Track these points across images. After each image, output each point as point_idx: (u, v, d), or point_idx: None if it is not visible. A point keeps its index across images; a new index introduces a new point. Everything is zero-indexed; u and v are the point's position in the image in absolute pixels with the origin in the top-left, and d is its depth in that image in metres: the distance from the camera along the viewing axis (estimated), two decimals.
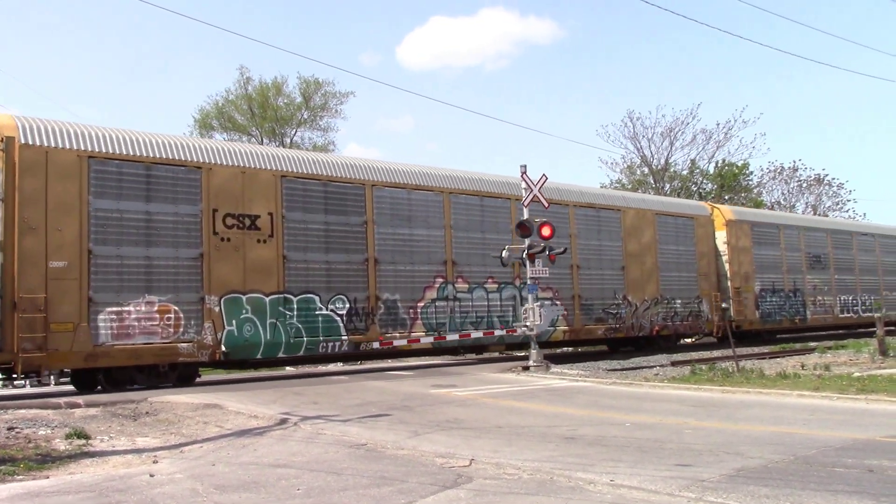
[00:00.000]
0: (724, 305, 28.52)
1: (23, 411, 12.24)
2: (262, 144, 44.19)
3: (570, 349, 29.61)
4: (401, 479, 7.16)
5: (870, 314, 33.78)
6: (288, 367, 22.86)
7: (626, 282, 25.70)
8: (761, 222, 31.32)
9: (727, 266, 29.12)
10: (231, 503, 6.44)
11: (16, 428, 10.60)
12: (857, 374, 15.22)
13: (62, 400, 13.41)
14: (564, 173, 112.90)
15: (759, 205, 51.30)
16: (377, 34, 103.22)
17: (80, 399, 13.46)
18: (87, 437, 9.97)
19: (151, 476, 7.68)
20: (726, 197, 51.24)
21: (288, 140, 46.83)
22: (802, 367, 17.54)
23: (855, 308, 34.81)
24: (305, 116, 47.61)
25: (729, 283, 28.96)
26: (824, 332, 34.23)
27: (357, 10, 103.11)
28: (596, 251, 25.00)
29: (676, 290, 27.45)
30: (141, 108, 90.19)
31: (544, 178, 19.85)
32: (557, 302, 23.26)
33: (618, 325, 25.22)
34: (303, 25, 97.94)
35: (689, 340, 31.74)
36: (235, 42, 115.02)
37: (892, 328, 32.68)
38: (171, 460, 8.61)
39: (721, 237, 29.36)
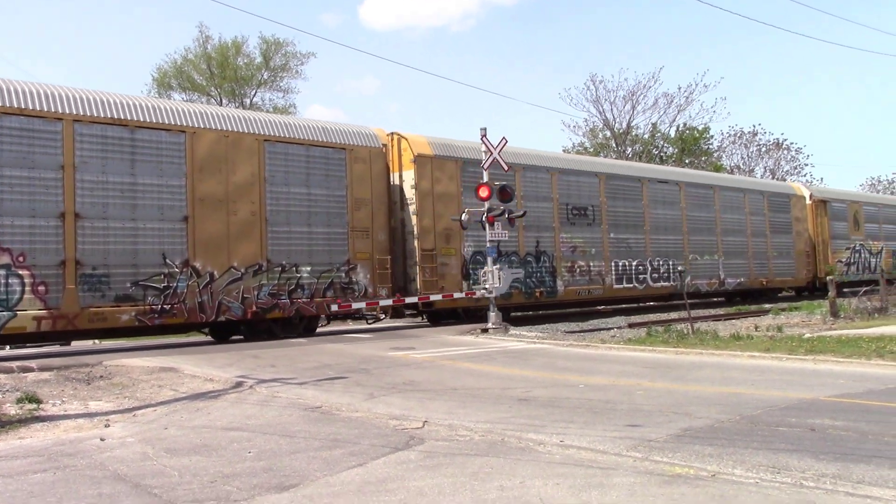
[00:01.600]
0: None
1: None
2: (220, 105, 43.55)
3: (531, 312, 28.56)
4: (353, 442, 7.20)
5: (667, 284, 28.26)
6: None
7: (191, 240, 17.39)
8: (474, 159, 21.79)
9: (414, 220, 21.29)
10: (181, 466, 6.43)
11: None
12: (807, 336, 15.54)
13: (14, 364, 13.23)
14: (529, 137, 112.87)
15: (718, 169, 51.79)
16: None
17: (33, 363, 13.30)
18: (38, 402, 9.87)
19: (102, 440, 7.63)
20: (687, 161, 51.68)
21: (248, 101, 46.14)
22: (756, 328, 17.86)
23: (641, 277, 27.53)
24: (265, 77, 46.93)
25: (416, 244, 21.30)
26: (587, 310, 27.58)
27: None
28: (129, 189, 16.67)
29: (304, 252, 19.23)
30: (96, 65, 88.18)
31: (504, 142, 19.80)
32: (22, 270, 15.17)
33: (168, 306, 16.92)
34: None
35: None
36: (193, 1, 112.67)
37: (697, 301, 29.75)
38: (123, 424, 8.56)
39: (409, 178, 21.53)
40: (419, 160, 21.54)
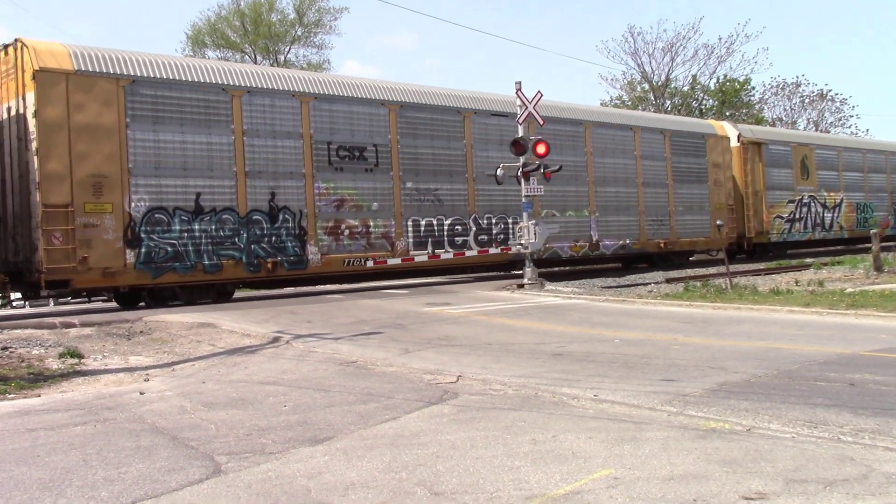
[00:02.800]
0: None
1: (17, 331, 12.33)
2: (255, 63, 43.54)
3: (569, 268, 27.98)
4: (387, 396, 7.24)
5: (499, 249, 21.45)
6: (288, 288, 22.71)
7: None
8: (151, 78, 16.31)
9: (36, 163, 14.94)
10: (217, 420, 6.52)
11: (9, 348, 10.69)
12: (849, 290, 15.27)
13: (57, 320, 13.50)
14: (567, 91, 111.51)
15: (760, 121, 50.81)
16: None
17: (75, 319, 13.56)
18: (80, 357, 10.07)
19: (141, 394, 7.77)
20: (727, 113, 50.71)
21: (282, 58, 46.06)
22: (796, 283, 17.59)
23: (459, 240, 21.07)
24: (299, 33, 46.73)
25: (38, 197, 14.81)
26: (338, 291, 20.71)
27: None
28: None
29: None
30: (131, 23, 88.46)
31: (539, 96, 19.54)
32: None
33: None
34: None
35: None
36: None
37: (551, 269, 25.10)
38: (162, 378, 8.71)
39: (31, 103, 15.07)
40: (43, 77, 14.89)
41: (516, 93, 19.55)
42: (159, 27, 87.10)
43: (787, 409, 6.22)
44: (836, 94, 58.30)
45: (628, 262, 27.64)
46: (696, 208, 27.82)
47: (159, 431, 6.22)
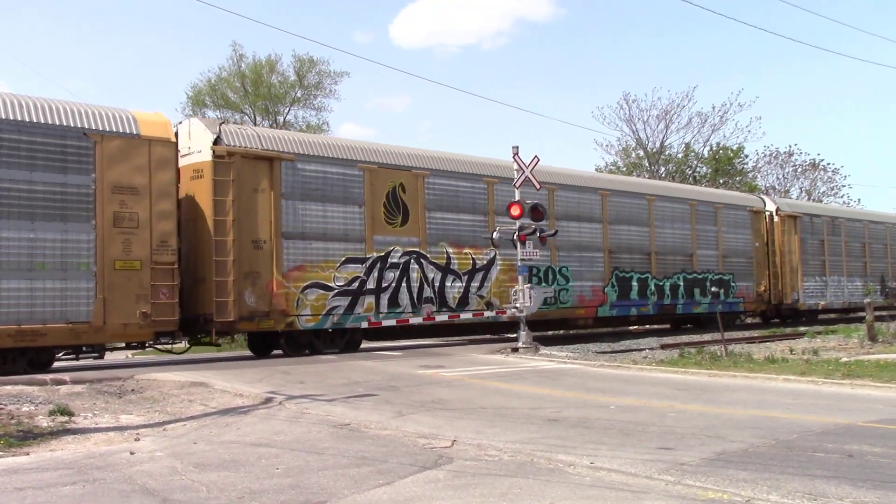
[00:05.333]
0: None
1: (7, 388, 12.18)
2: (255, 124, 44.02)
3: (563, 332, 29.01)
4: (381, 460, 7.15)
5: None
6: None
7: None
8: None
9: None
10: (209, 482, 6.42)
11: None
12: (844, 360, 15.25)
13: (48, 376, 13.37)
14: (562, 155, 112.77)
15: (753, 189, 51.31)
16: (370, 11, 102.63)
17: (66, 376, 13.43)
18: (70, 414, 9.95)
19: (132, 454, 7.66)
20: (721, 181, 51.21)
21: (281, 119, 46.56)
22: (791, 351, 17.56)
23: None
24: (299, 95, 47.33)
25: None
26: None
27: None
28: None
29: None
30: (132, 84, 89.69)
31: (536, 160, 19.75)
32: None
33: None
34: (293, 2, 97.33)
35: None
36: (228, 20, 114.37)
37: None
38: (153, 438, 8.60)
39: None
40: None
41: (513, 157, 19.75)
42: (153, 85, 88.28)
43: (785, 480, 6.16)
44: (829, 164, 58.98)
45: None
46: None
47: (149, 493, 6.12)
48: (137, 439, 8.53)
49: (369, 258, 19.40)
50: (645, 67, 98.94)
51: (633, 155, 52.84)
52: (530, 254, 19.62)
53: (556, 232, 21.09)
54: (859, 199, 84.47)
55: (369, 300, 19.27)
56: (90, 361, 17.38)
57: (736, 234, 29.87)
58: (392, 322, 19.65)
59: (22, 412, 10.17)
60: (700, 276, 28.02)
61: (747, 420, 9.11)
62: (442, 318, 20.50)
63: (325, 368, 15.20)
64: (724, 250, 29.23)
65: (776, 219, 31.38)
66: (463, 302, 21.10)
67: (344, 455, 7.40)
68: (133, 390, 12.35)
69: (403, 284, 19.98)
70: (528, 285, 19.45)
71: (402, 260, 20.04)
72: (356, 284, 19.10)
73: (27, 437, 8.64)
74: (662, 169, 52.04)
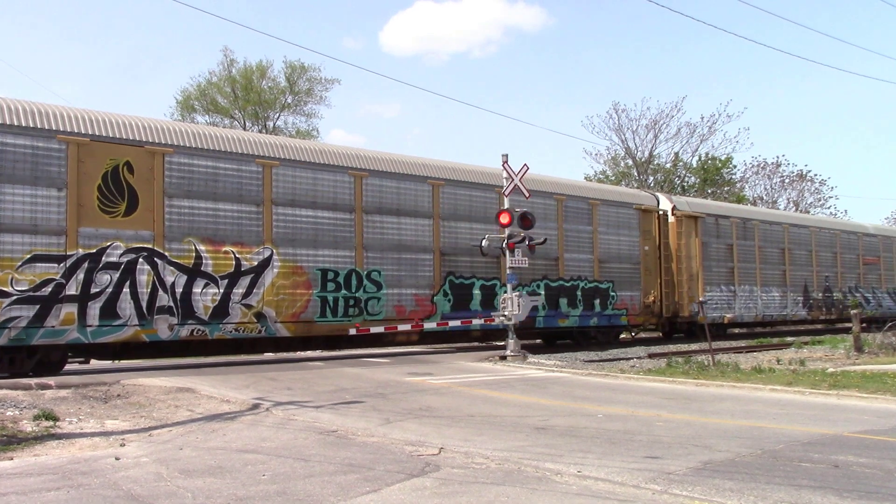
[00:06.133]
0: None
1: None
2: (244, 129, 43.93)
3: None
4: (368, 467, 7.13)
5: None
6: (267, 353, 22.69)
7: None
8: None
9: None
10: (194, 488, 6.38)
11: None
12: (830, 370, 15.31)
13: (33, 381, 13.27)
14: (550, 164, 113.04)
15: (741, 200, 51.56)
16: (360, 18, 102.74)
17: (51, 380, 13.34)
18: (55, 419, 9.87)
19: (117, 459, 7.61)
20: (709, 191, 51.46)
21: (271, 124, 46.51)
22: (778, 361, 17.63)
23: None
24: (289, 101, 47.31)
25: None
26: None
27: None
28: None
29: None
30: (122, 89, 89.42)
31: (525, 168, 19.80)
32: None
33: None
34: (284, 8, 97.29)
35: None
36: (219, 26, 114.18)
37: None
38: (138, 444, 8.54)
39: None
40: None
41: (503, 165, 19.80)
42: (147, 93, 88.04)
43: (771, 490, 6.17)
44: (816, 175, 59.33)
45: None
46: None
47: (134, 498, 6.08)
48: (123, 445, 8.48)
49: (72, 256, 15.03)
50: (634, 77, 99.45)
51: (622, 164, 53.08)
52: (519, 262, 19.65)
53: (545, 240, 21.04)
54: (846, 211, 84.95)
55: (69, 310, 14.91)
56: (76, 366, 17.25)
57: (618, 236, 25.58)
58: (109, 338, 15.48)
59: (6, 417, 10.08)
60: (568, 284, 23.64)
61: (734, 430, 9.13)
62: (184, 332, 16.43)
63: (312, 375, 15.16)
64: (601, 254, 24.85)
65: (671, 219, 27.23)
66: (220, 313, 16.86)
67: (331, 462, 7.37)
68: (119, 395, 12.27)
69: (126, 290, 15.65)
70: (517, 293, 19.45)
71: (125, 259, 15.68)
72: (49, 289, 14.75)
73: (11, 441, 8.56)
74: (651, 178, 52.25)
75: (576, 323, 23.86)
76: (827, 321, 35.42)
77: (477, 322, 20.82)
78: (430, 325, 20.07)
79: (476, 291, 21.48)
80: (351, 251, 19.06)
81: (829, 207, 57.17)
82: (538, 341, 26.09)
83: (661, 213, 27.04)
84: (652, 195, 28.34)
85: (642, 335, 30.21)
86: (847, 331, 31.22)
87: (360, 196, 19.36)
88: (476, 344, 24.81)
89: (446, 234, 21.04)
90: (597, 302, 24.43)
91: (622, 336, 27.71)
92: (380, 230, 19.69)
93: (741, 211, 32.24)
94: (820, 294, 33.57)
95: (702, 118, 66.79)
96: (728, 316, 28.71)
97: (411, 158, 21.25)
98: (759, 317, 30.48)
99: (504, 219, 19.37)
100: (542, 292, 22.78)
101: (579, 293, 23.99)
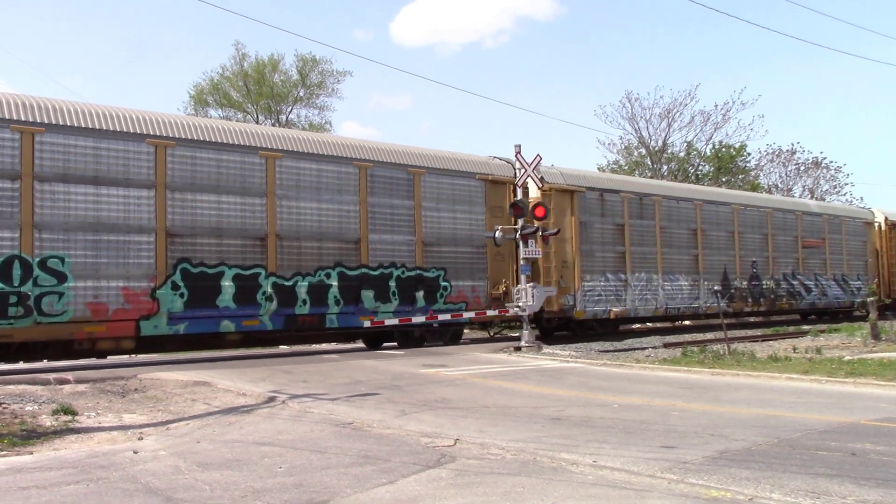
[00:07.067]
0: None
1: (11, 387, 12.21)
2: (257, 122, 44.03)
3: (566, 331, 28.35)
4: (384, 459, 7.16)
5: None
6: (282, 346, 22.71)
7: None
8: None
9: None
10: (212, 481, 6.43)
11: (3, 403, 10.58)
12: (847, 358, 15.23)
13: (51, 376, 13.39)
14: (563, 154, 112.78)
15: (755, 188, 51.24)
16: (370, 10, 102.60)
17: (69, 375, 13.45)
18: (73, 414, 9.97)
19: (135, 453, 7.67)
20: (723, 179, 51.18)
21: (283, 118, 46.59)
22: (794, 350, 17.56)
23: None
24: (301, 94, 47.35)
25: None
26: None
27: None
28: None
29: None
30: (135, 83, 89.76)
31: (539, 159, 19.76)
32: None
33: None
34: (295, 0, 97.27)
35: None
36: (229, 20, 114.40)
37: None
38: (156, 437, 8.61)
39: None
40: None
41: (515, 156, 19.77)
42: (159, 86, 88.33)
43: (788, 479, 6.16)
44: (831, 162, 58.90)
45: None
46: None
47: (153, 492, 6.13)
48: (141, 438, 8.54)
49: None
50: (647, 66, 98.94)
51: (636, 153, 52.85)
52: (532, 252, 19.64)
53: (559, 231, 21.01)
54: (862, 198, 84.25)
55: None
56: (93, 361, 17.39)
57: (454, 213, 21.11)
58: None
59: (25, 411, 10.18)
60: (375, 273, 19.35)
61: (750, 419, 9.11)
62: None
63: (327, 367, 15.22)
64: (428, 235, 20.45)
65: (537, 193, 22.16)
66: None
67: (347, 454, 7.40)
68: (136, 389, 12.37)
69: None
70: (531, 284, 19.44)
71: None
72: None
73: (31, 436, 8.65)
74: (665, 167, 52.02)
75: (390, 320, 19.59)
76: (755, 313, 31.16)
77: (230, 323, 17.18)
78: (150, 328, 16.10)
79: (227, 283, 17.19)
80: (13, 232, 14.84)
81: (844, 194, 56.79)
82: (333, 345, 22.66)
83: (520, 185, 21.62)
84: (508, 163, 22.72)
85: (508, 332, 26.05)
86: (780, 324, 30.32)
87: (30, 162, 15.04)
88: (491, 335, 24.74)
89: (176, 211, 16.77)
90: (420, 295, 20.07)
91: (464, 337, 22.97)
92: (57, 205, 15.41)
93: (636, 184, 27.24)
94: (744, 283, 29.23)
95: (715, 106, 66.48)
96: (615, 310, 24.27)
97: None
98: (661, 310, 25.96)
99: (515, 210, 19.30)
100: (335, 283, 18.69)
101: (393, 283, 19.69)
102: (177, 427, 9.22)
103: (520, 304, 19.34)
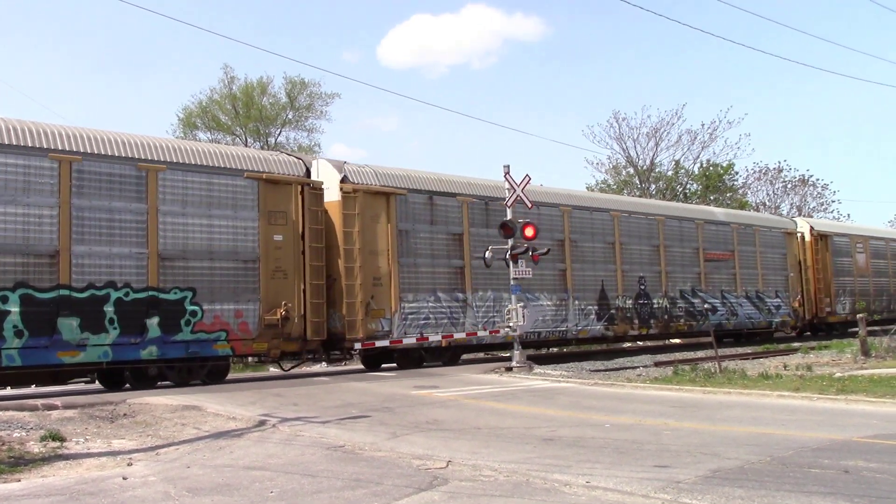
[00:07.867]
0: None
1: None
2: (246, 146, 44.04)
3: (556, 349, 27.76)
4: (376, 482, 7.11)
5: None
6: (272, 368, 22.56)
7: None
8: None
9: None
10: None
11: None
12: (838, 375, 15.26)
13: (39, 402, 13.27)
14: (552, 174, 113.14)
15: (743, 205, 51.47)
16: (358, 32, 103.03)
17: (57, 401, 13.33)
18: (62, 440, 9.87)
19: (125, 479, 7.60)
20: (711, 197, 51.40)
21: (272, 140, 46.60)
22: (785, 367, 17.59)
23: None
24: (290, 117, 47.39)
25: None
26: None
27: (338, 7, 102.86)
28: None
29: None
30: (124, 108, 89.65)
31: (528, 179, 19.81)
32: None
33: None
34: (283, 23, 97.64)
35: None
36: (218, 43, 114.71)
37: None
38: (145, 462, 8.53)
39: None
40: None
41: (505, 176, 19.81)
42: (148, 111, 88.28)
43: (782, 498, 6.14)
44: (818, 180, 59.23)
45: None
46: None
47: None
48: (130, 464, 8.46)
49: None
50: (634, 86, 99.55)
51: (624, 173, 53.07)
52: (523, 272, 19.64)
53: (549, 250, 21.03)
54: (849, 215, 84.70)
55: None
56: (82, 386, 17.25)
57: (210, 220, 17.00)
58: None
59: (13, 438, 10.07)
60: (82, 296, 15.15)
61: (742, 437, 9.10)
62: None
63: (318, 390, 15.14)
64: (168, 248, 16.34)
65: (336, 196, 19.16)
66: None
67: (338, 477, 7.35)
68: (125, 414, 12.26)
69: None
70: (521, 304, 19.43)
71: None
72: None
73: (18, 463, 8.55)
74: (653, 186, 52.23)
75: (103, 357, 15.42)
76: (643, 337, 27.31)
77: None
78: None
79: None
80: None
81: (832, 211, 57.14)
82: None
83: (312, 186, 18.61)
84: (297, 159, 19.44)
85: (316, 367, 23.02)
86: (676, 348, 27.65)
87: None
88: (482, 355, 24.72)
89: None
90: (154, 322, 15.91)
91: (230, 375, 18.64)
92: None
93: (479, 187, 22.54)
94: (629, 301, 25.39)
95: (702, 125, 66.87)
96: (452, 336, 20.68)
97: None
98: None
99: (506, 230, 19.31)
100: (16, 308, 14.39)
101: (111, 308, 15.47)
102: (166, 452, 9.14)
103: (510, 324, 19.31)
